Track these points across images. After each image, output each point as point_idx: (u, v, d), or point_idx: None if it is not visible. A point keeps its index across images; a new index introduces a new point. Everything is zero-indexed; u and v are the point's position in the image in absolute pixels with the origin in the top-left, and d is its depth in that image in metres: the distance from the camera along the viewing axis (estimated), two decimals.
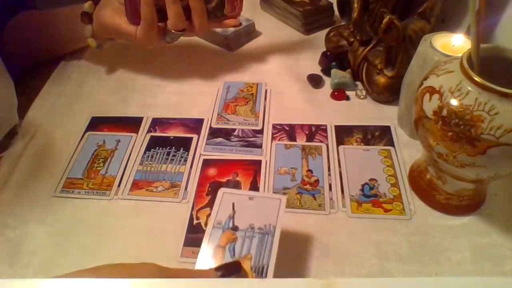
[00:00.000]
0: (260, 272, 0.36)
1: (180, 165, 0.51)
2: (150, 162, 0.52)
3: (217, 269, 0.34)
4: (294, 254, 0.42)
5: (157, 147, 0.54)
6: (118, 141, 0.55)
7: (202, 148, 0.53)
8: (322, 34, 0.68)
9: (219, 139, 0.55)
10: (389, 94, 0.57)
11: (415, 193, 0.47)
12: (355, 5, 0.59)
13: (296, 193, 0.47)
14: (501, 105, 0.34)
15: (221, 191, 0.42)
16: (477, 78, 0.35)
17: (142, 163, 0.52)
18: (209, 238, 0.38)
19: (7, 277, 0.35)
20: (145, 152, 0.53)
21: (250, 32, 0.73)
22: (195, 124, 0.57)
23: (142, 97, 0.62)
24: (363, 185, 0.48)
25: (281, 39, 0.73)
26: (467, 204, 0.45)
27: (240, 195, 0.42)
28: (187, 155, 0.52)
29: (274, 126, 0.56)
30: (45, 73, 0.66)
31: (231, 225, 0.39)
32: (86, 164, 0.52)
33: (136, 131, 0.56)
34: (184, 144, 0.54)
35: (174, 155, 0.52)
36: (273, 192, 0.47)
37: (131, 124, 0.57)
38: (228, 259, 0.37)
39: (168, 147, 0.53)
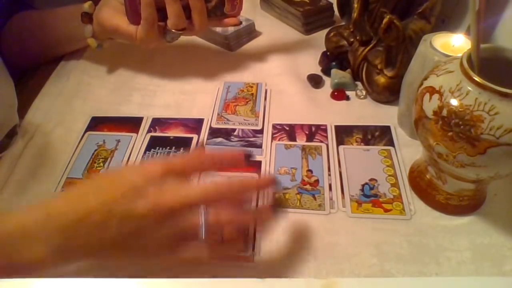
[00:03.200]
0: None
1: None
2: None
3: None
4: (294, 254, 0.42)
5: (157, 147, 0.54)
6: (118, 141, 0.55)
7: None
8: (322, 34, 0.68)
9: (219, 139, 0.55)
10: (389, 94, 0.57)
11: (415, 193, 0.47)
12: (355, 5, 0.59)
13: (296, 193, 0.47)
14: (501, 105, 0.34)
15: (203, 174, 0.47)
16: (477, 78, 0.35)
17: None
18: None
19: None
20: (145, 152, 0.53)
21: (250, 32, 0.73)
22: (195, 124, 0.57)
23: (142, 97, 0.62)
24: (363, 185, 0.48)
25: (281, 39, 0.73)
26: (467, 204, 0.45)
27: (220, 176, 0.48)
28: None
29: (274, 126, 0.56)
30: (45, 73, 0.66)
31: None
32: (86, 164, 0.52)
33: (136, 131, 0.56)
34: (184, 144, 0.54)
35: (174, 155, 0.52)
36: (273, 193, 0.47)
37: (131, 124, 0.57)
38: None
39: (168, 147, 0.53)
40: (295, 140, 0.54)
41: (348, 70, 0.62)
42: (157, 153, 0.53)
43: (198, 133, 0.55)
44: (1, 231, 0.32)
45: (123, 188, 0.32)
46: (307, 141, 0.54)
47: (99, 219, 0.32)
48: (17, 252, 0.32)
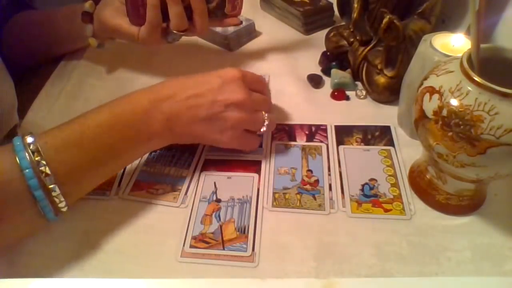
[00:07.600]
0: (243, 231, 0.44)
1: (184, 169, 0.51)
2: (154, 163, 0.51)
3: None
4: (294, 254, 0.42)
5: (162, 149, 0.52)
6: None
7: (206, 150, 0.53)
8: (322, 34, 0.68)
9: None
10: (389, 94, 0.57)
11: (415, 193, 0.47)
12: (355, 5, 0.59)
13: (296, 193, 0.47)
14: (501, 105, 0.34)
15: (203, 174, 0.50)
16: (477, 78, 0.35)
17: (147, 163, 0.51)
18: (197, 210, 0.46)
19: (7, 277, 0.35)
20: (150, 153, 0.53)
21: (250, 32, 0.73)
22: None
23: None
24: (363, 185, 0.48)
25: (281, 39, 0.73)
26: (467, 204, 0.45)
27: (219, 175, 0.50)
28: (192, 159, 0.52)
29: None
30: (45, 73, 0.66)
31: (214, 198, 0.47)
32: None
33: None
34: (189, 147, 0.53)
35: (179, 158, 0.52)
36: (273, 193, 0.47)
37: None
38: (214, 224, 0.44)
39: (174, 149, 0.53)
40: (295, 140, 0.54)
41: (348, 70, 0.62)
42: (162, 155, 0.53)
43: None
44: (125, 109, 0.46)
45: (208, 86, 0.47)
46: (307, 141, 0.54)
47: (193, 102, 0.45)
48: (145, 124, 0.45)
